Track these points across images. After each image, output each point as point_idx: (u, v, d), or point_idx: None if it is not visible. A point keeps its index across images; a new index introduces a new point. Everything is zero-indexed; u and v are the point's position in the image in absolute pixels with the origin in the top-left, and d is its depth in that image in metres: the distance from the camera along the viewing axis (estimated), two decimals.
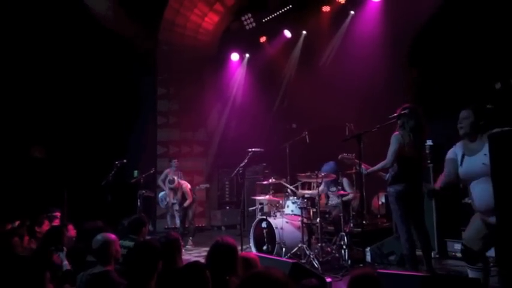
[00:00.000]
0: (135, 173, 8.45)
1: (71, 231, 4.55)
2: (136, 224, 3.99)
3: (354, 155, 4.75)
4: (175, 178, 7.63)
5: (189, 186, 7.78)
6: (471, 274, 3.56)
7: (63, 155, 8.85)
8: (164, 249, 2.86)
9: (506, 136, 2.08)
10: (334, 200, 6.25)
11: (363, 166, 4.30)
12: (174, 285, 2.20)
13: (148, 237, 4.02)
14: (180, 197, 7.67)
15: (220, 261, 2.65)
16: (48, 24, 8.43)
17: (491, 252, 4.90)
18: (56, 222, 5.33)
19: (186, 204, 7.61)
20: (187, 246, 7.29)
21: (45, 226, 5.04)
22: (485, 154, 3.11)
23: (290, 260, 3.94)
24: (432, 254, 4.92)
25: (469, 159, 3.36)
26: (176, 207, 7.83)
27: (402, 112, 4.24)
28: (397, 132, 4.35)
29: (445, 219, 5.75)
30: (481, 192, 3.26)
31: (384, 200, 7.36)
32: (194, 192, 7.93)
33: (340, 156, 4.90)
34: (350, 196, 6.07)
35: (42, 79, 8.71)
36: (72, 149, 8.92)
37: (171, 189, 7.70)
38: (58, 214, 5.62)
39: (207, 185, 8.75)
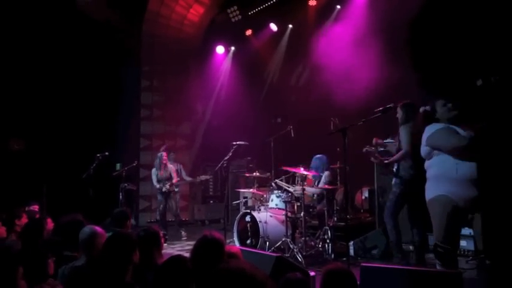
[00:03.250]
0: (118, 166, 8.32)
1: (49, 224, 4.43)
2: (120, 216, 3.89)
3: (374, 149, 4.96)
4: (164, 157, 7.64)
5: (174, 168, 7.82)
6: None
7: (43, 147, 8.63)
8: (143, 243, 2.79)
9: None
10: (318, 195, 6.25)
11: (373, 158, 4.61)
12: (157, 280, 2.16)
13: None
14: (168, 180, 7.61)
15: (207, 255, 2.60)
16: (27, 14, 8.18)
17: (470, 246, 5.04)
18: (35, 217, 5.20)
19: (172, 182, 7.56)
20: (183, 239, 7.36)
21: (24, 219, 4.92)
22: None
23: (274, 254, 3.92)
24: (411, 247, 5.01)
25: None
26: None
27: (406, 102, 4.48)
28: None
29: (427, 213, 5.82)
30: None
31: (367, 195, 7.42)
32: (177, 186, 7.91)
33: (364, 149, 4.95)
34: (318, 190, 6.10)
35: (23, 70, 8.45)
36: (52, 141, 8.71)
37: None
38: (36, 207, 5.48)
39: (208, 177, 8.65)
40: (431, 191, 3.58)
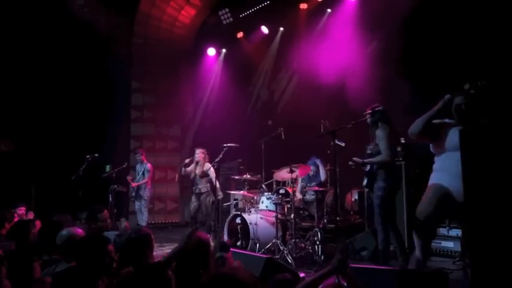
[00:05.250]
0: (107, 167, 8.26)
1: (38, 226, 4.37)
2: (89, 214, 3.63)
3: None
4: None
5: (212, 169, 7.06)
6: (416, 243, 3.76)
7: (31, 148, 8.54)
8: (134, 245, 2.75)
9: (477, 131, 2.15)
10: (310, 196, 6.29)
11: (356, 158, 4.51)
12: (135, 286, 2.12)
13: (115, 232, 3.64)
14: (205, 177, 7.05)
15: (193, 256, 2.60)
16: (18, 15, 8.11)
17: (457, 247, 5.11)
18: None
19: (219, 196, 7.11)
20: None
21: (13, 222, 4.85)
22: None
23: (264, 256, 3.94)
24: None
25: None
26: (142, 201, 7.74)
27: (377, 109, 4.34)
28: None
29: (415, 214, 5.88)
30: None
31: (356, 197, 7.48)
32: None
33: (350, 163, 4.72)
34: (323, 178, 6.19)
35: (12, 70, 8.37)
36: (41, 142, 8.63)
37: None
38: (23, 209, 5.42)
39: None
40: (432, 180, 3.80)
